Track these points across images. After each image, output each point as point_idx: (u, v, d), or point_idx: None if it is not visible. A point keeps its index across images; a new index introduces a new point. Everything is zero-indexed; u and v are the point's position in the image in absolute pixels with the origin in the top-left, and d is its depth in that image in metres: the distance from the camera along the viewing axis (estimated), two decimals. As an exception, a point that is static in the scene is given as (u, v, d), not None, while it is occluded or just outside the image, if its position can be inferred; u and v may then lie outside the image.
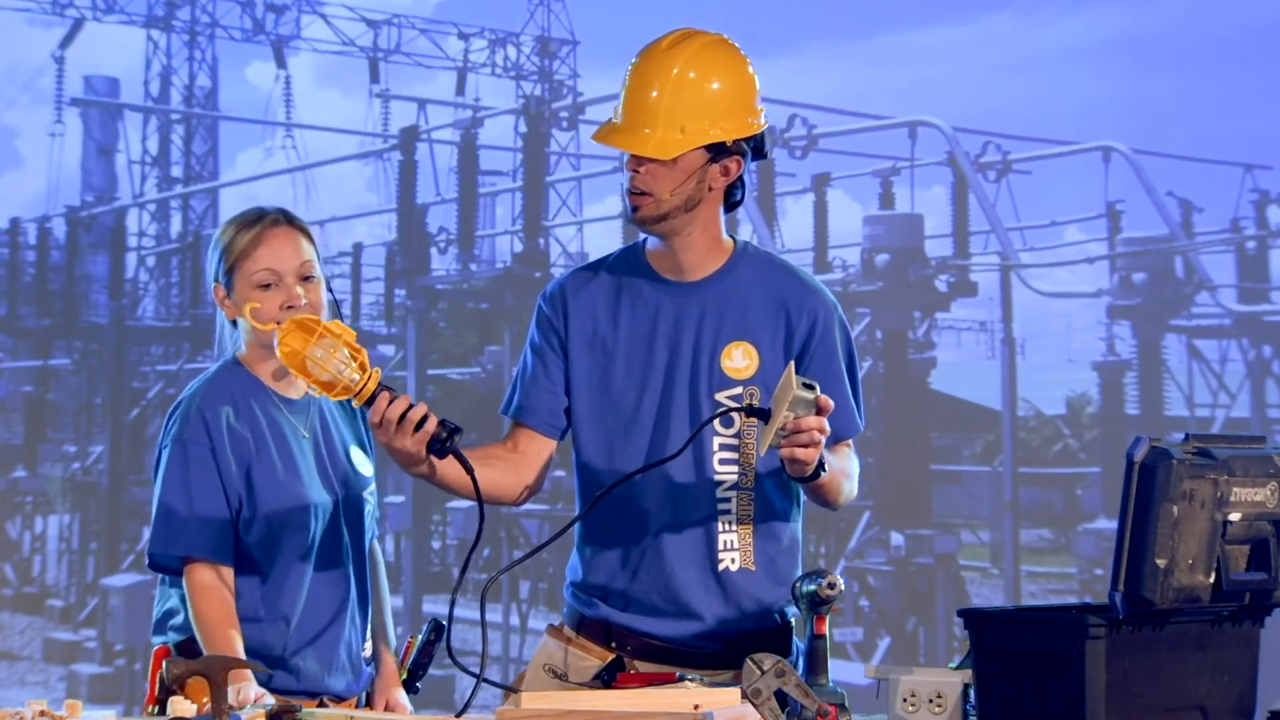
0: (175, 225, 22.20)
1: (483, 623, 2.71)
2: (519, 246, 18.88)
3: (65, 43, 21.86)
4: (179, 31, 22.54)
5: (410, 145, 19.29)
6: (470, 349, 21.10)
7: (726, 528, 2.94)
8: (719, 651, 2.93)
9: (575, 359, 2.98)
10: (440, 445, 2.70)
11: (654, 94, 2.87)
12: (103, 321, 20.56)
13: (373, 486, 3.11)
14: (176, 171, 22.58)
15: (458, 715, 2.65)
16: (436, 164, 19.72)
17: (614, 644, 2.97)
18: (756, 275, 2.98)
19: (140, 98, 22.65)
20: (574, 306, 3.00)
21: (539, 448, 3.00)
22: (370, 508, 3.09)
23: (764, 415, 2.68)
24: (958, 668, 2.70)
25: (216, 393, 2.99)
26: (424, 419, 2.69)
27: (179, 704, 2.56)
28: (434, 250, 19.21)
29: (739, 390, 2.92)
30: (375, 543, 3.20)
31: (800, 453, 2.67)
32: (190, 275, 20.85)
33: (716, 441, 2.93)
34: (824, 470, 2.75)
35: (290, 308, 2.91)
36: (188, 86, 22.70)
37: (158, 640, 3.02)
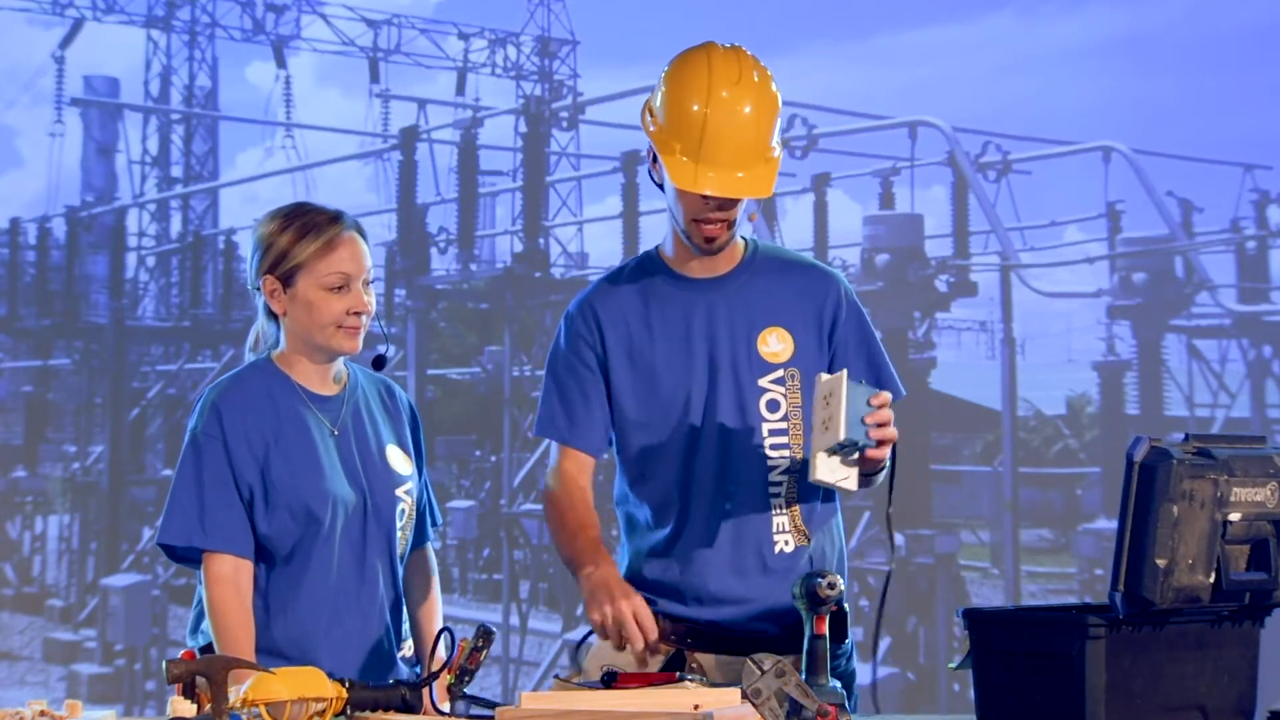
0: (175, 225, 22.17)
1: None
2: (519, 246, 18.87)
3: (65, 43, 21.85)
4: (179, 31, 22.54)
5: (410, 145, 19.27)
6: (470, 349, 21.05)
7: (779, 510, 2.99)
8: (779, 635, 2.93)
9: (617, 370, 3.02)
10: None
11: (750, 133, 2.89)
12: (103, 321, 20.53)
13: (409, 486, 3.10)
14: (176, 171, 22.57)
15: (462, 716, 2.65)
16: (436, 164, 19.70)
17: (673, 637, 2.99)
18: (772, 265, 3.06)
19: (140, 98, 22.63)
20: (606, 319, 3.04)
21: (590, 470, 3.05)
22: (403, 506, 3.08)
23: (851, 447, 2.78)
24: (958, 668, 2.70)
25: (235, 388, 3.02)
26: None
27: (179, 704, 2.55)
28: (434, 250, 19.18)
29: (780, 373, 2.99)
30: (428, 546, 3.21)
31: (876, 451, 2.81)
32: (190, 275, 20.84)
33: (766, 427, 2.98)
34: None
35: (357, 313, 2.98)
36: (188, 86, 22.68)
37: (191, 643, 3.02)
